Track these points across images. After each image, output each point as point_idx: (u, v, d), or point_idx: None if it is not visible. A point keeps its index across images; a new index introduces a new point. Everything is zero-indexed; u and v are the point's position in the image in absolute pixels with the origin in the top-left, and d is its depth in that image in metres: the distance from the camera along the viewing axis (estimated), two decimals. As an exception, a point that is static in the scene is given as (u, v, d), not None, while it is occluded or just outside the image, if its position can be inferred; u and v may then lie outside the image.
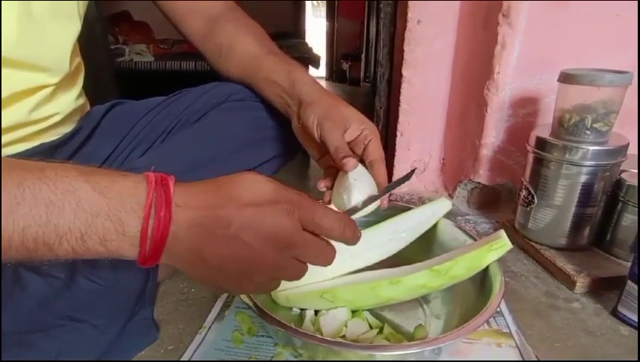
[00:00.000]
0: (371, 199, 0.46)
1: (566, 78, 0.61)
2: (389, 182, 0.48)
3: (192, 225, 0.29)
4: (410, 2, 0.80)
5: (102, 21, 1.24)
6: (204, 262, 0.30)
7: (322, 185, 0.50)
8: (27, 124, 0.49)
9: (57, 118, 0.53)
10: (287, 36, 2.47)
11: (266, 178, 0.32)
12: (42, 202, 0.26)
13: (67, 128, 0.56)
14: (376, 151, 0.48)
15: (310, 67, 2.00)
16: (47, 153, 0.53)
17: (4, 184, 0.26)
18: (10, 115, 0.46)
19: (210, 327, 0.50)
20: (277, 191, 0.32)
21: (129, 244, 0.29)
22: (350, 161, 0.45)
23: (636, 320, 0.52)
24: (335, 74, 3.92)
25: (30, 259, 0.28)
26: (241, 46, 0.58)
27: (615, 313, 0.55)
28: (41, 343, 0.39)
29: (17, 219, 0.26)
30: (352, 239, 0.36)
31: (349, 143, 0.48)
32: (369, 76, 3.00)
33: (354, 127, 0.48)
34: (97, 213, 0.28)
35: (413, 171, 0.49)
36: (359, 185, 0.46)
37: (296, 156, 0.58)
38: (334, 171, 0.51)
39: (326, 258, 0.35)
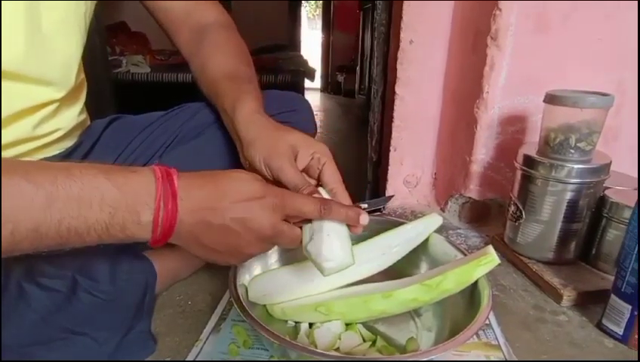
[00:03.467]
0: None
1: (551, 99, 0.64)
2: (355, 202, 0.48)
3: (194, 215, 0.36)
4: (403, 23, 0.83)
5: (101, 33, 1.26)
6: (201, 244, 0.38)
7: None
8: (30, 140, 0.50)
9: (60, 134, 0.54)
10: (283, 48, 2.50)
11: (254, 176, 0.39)
12: (73, 198, 0.31)
13: (68, 143, 0.57)
14: (333, 176, 0.46)
15: (305, 79, 2.03)
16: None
17: (40, 182, 0.30)
18: (14, 131, 0.47)
19: (206, 340, 0.51)
20: (263, 188, 0.38)
21: (144, 231, 0.34)
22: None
23: (620, 332, 0.54)
24: (330, 86, 3.97)
25: (61, 247, 0.32)
26: (210, 68, 0.57)
27: (600, 326, 0.57)
28: (43, 356, 0.39)
29: (54, 213, 0.30)
30: (330, 215, 0.41)
31: (302, 170, 0.46)
32: (364, 88, 3.04)
33: (303, 152, 0.46)
34: (118, 206, 0.33)
35: (390, 197, 0.53)
36: (329, 239, 0.42)
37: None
38: None
39: (295, 244, 0.43)
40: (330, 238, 0.42)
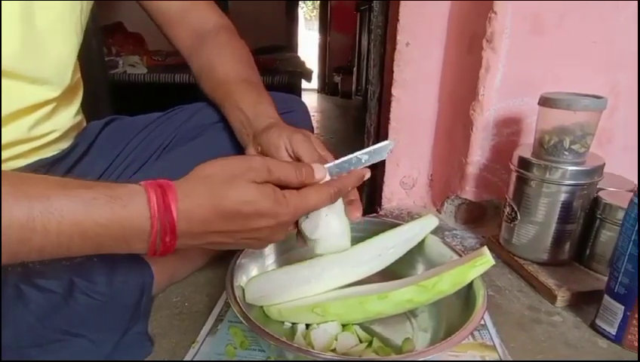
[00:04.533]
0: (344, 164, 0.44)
1: (545, 101, 0.64)
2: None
3: (197, 239, 0.35)
4: (399, 25, 0.84)
5: (98, 34, 1.26)
6: (209, 249, 0.38)
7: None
8: (26, 141, 0.50)
9: (55, 135, 0.54)
10: (280, 49, 2.50)
11: (262, 189, 0.35)
12: (53, 232, 0.30)
13: (64, 144, 0.57)
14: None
15: (302, 80, 2.03)
16: (44, 169, 0.54)
17: (15, 215, 0.28)
18: (9, 132, 0.47)
19: (203, 341, 0.51)
20: (273, 206, 0.36)
21: (138, 252, 0.34)
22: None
23: (613, 333, 0.55)
24: (327, 87, 3.97)
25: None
26: (218, 69, 0.58)
27: (594, 326, 0.58)
28: (40, 357, 0.39)
29: (33, 245, 0.29)
30: (340, 196, 0.42)
31: None
32: (361, 89, 3.04)
33: (315, 146, 0.47)
34: (103, 241, 0.31)
35: (389, 143, 0.46)
36: (326, 219, 0.43)
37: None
38: None
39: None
40: (328, 218, 0.43)
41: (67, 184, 0.31)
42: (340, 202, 0.44)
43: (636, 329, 0.52)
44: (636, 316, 0.52)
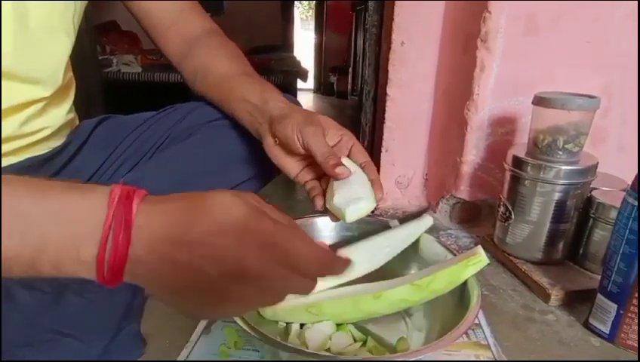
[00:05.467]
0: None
1: (539, 101, 0.65)
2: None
3: (153, 249, 0.27)
4: (394, 25, 0.84)
5: (91, 32, 1.25)
6: (165, 287, 0.28)
7: (319, 205, 0.49)
8: (16, 138, 0.50)
9: (47, 132, 0.53)
10: (276, 49, 2.50)
11: (242, 201, 0.28)
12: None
13: (56, 142, 0.57)
14: (363, 153, 0.50)
15: (298, 80, 2.03)
16: (34, 167, 0.53)
17: None
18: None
19: (197, 341, 0.51)
20: (252, 216, 0.28)
21: (85, 269, 0.27)
22: (345, 172, 0.45)
23: (606, 331, 0.55)
24: (323, 87, 3.97)
25: None
26: (215, 68, 0.57)
27: (587, 325, 0.58)
28: (30, 357, 0.39)
29: None
30: (333, 273, 0.30)
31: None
32: (356, 89, 3.05)
33: (332, 132, 0.49)
34: (47, 239, 0.26)
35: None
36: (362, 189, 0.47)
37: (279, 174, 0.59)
38: (316, 183, 0.51)
39: (304, 289, 0.30)
40: (354, 187, 0.46)
41: (17, 180, 0.27)
42: (359, 170, 0.48)
43: (629, 327, 0.53)
44: (629, 314, 0.52)
